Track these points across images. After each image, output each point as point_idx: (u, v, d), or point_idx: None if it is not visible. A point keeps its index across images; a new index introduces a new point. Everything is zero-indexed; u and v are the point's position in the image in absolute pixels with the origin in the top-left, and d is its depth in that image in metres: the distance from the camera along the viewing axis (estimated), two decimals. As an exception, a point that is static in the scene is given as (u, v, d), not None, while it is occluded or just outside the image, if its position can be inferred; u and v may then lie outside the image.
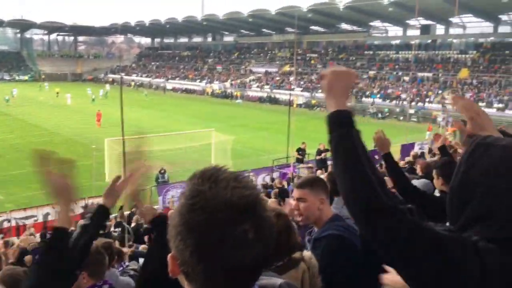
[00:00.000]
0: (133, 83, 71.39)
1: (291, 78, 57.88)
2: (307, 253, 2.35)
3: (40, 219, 13.12)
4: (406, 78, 50.24)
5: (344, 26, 66.54)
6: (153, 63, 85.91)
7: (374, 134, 3.29)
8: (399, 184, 3.16)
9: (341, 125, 1.37)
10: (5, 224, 12.84)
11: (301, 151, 19.51)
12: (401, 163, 13.19)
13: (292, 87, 44.88)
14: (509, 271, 1.12)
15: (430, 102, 44.78)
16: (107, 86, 60.59)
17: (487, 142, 1.30)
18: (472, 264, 1.12)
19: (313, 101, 51.41)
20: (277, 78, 61.83)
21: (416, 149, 19.90)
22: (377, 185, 1.26)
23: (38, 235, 10.85)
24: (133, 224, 10.74)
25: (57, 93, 52.95)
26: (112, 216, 13.11)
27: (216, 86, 65.06)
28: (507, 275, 1.12)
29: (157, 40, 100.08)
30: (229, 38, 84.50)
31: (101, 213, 2.10)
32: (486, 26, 52.37)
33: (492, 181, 1.22)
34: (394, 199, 1.22)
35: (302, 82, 57.92)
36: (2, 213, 13.31)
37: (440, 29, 56.69)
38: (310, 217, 2.54)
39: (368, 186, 1.26)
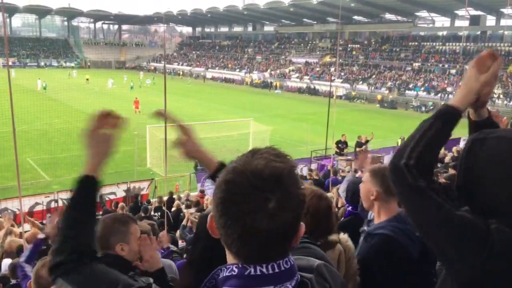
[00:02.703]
0: (181, 72, 73.23)
1: (332, 69, 57.03)
2: (343, 236, 2.37)
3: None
4: (453, 71, 48.42)
5: (388, 16, 64.70)
6: (193, 52, 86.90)
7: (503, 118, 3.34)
8: None
9: (439, 116, 1.42)
10: (53, 204, 13.46)
11: (341, 143, 19.25)
12: (446, 159, 12.81)
13: (333, 78, 44.20)
14: None
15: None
16: (141, 74, 62.45)
17: (482, 136, 1.37)
18: (479, 238, 1.21)
19: (354, 93, 50.53)
20: (317, 69, 61.10)
21: (462, 145, 19.23)
22: (404, 165, 1.35)
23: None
24: (173, 209, 11.00)
25: (87, 79, 54.21)
26: (152, 200, 13.52)
27: (255, 76, 65.09)
28: None
29: (198, 29, 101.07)
30: (269, 28, 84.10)
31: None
32: (541, 17, 49.52)
33: (491, 174, 1.29)
34: (423, 177, 1.34)
35: (343, 74, 56.98)
36: (49, 194, 13.94)
37: (490, 20, 54.07)
38: (364, 201, 2.53)
39: (398, 161, 1.37)
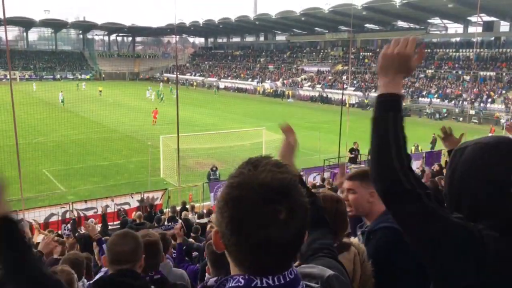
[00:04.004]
0: (194, 83, 74.01)
1: (344, 77, 56.93)
2: (354, 239, 2.42)
3: (99, 211, 13.77)
4: (467, 77, 47.94)
5: (401, 23, 64.49)
6: (206, 63, 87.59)
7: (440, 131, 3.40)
8: None
9: (385, 108, 1.38)
10: (68, 215, 13.59)
11: (354, 151, 19.18)
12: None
13: (345, 86, 44.11)
14: (507, 255, 1.24)
15: (492, 102, 42.43)
16: (161, 85, 62.60)
17: (464, 146, 1.44)
18: (475, 247, 1.24)
19: (366, 101, 50.30)
20: (330, 77, 61.04)
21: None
22: (399, 171, 1.32)
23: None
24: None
25: (100, 91, 54.53)
26: (165, 210, 13.57)
27: (267, 85, 65.25)
28: (506, 258, 1.24)
29: (211, 39, 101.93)
30: (281, 37, 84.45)
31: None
32: (556, 22, 48.88)
33: (469, 178, 1.36)
34: (418, 184, 1.34)
35: (355, 82, 56.83)
36: (65, 205, 14.09)
37: (504, 26, 53.55)
38: (359, 209, 2.54)
39: (390, 170, 1.32)
